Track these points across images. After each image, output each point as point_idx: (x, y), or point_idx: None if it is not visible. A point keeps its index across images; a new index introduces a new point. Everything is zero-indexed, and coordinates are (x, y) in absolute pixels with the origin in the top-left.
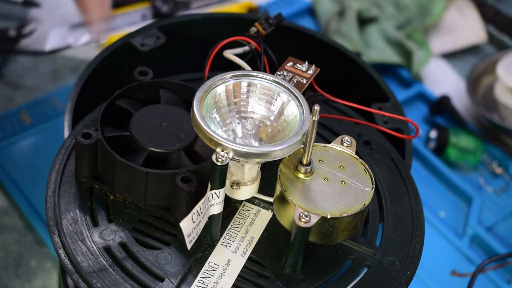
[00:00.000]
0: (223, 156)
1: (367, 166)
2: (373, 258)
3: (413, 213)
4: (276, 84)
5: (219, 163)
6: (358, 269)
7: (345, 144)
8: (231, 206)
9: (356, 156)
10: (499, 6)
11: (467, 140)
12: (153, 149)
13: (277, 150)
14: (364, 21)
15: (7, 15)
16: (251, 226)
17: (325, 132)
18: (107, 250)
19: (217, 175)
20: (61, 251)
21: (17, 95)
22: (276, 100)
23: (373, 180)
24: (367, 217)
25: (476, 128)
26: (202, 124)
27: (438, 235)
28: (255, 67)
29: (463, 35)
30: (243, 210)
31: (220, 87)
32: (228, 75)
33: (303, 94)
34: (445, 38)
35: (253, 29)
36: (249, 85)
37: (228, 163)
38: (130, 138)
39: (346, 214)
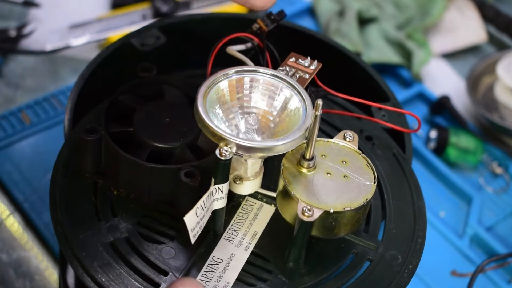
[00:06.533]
0: (226, 151)
1: (369, 161)
2: (375, 252)
3: (415, 207)
4: (278, 79)
5: (222, 158)
6: (360, 263)
7: (347, 139)
8: (234, 201)
9: (358, 151)
10: (499, 6)
11: (467, 140)
12: (157, 144)
13: (280, 145)
14: (364, 21)
15: (7, 15)
16: (254, 220)
17: (327, 127)
18: (111, 244)
19: (221, 170)
20: (66, 247)
21: (17, 95)
22: (279, 95)
23: (376, 174)
24: (369, 212)
25: (476, 128)
26: (205, 119)
27: (438, 235)
28: (257, 64)
29: (463, 35)
30: (246, 205)
31: (223, 83)
32: (231, 70)
33: (306, 89)
34: (445, 38)
35: (255, 26)
36: (252, 80)
37: (231, 158)
38: (134, 133)
39: (348, 208)
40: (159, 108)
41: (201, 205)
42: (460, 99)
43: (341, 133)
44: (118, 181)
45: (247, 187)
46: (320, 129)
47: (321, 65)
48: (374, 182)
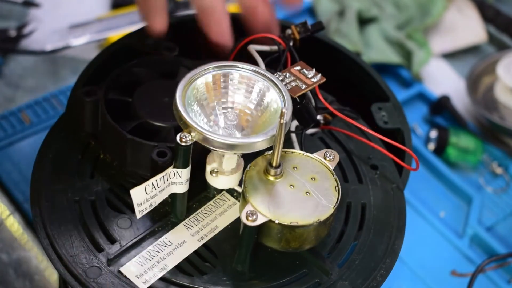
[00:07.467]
0: (186, 137)
1: (339, 185)
2: (328, 278)
3: (389, 246)
4: (262, 77)
5: (182, 143)
6: (307, 283)
7: (327, 158)
8: (209, 192)
9: (333, 171)
10: (499, 6)
11: (467, 140)
12: (147, 120)
13: (246, 143)
14: (364, 21)
15: (7, 15)
16: (220, 216)
17: (336, 146)
18: (77, 202)
19: (180, 155)
20: (34, 193)
21: (17, 95)
22: (263, 94)
23: (339, 199)
24: (341, 237)
25: (476, 128)
26: (178, 103)
27: (438, 235)
28: (275, 68)
29: (463, 35)
30: (220, 199)
31: (202, 78)
32: (211, 65)
33: (301, 98)
34: (445, 38)
35: (288, 31)
36: (232, 76)
37: (191, 145)
38: (130, 105)
39: (295, 224)
40: (164, 86)
41: (152, 183)
42: (460, 99)
43: (323, 151)
44: (105, 146)
45: (222, 182)
46: (327, 146)
47: (324, 79)
48: (334, 206)
